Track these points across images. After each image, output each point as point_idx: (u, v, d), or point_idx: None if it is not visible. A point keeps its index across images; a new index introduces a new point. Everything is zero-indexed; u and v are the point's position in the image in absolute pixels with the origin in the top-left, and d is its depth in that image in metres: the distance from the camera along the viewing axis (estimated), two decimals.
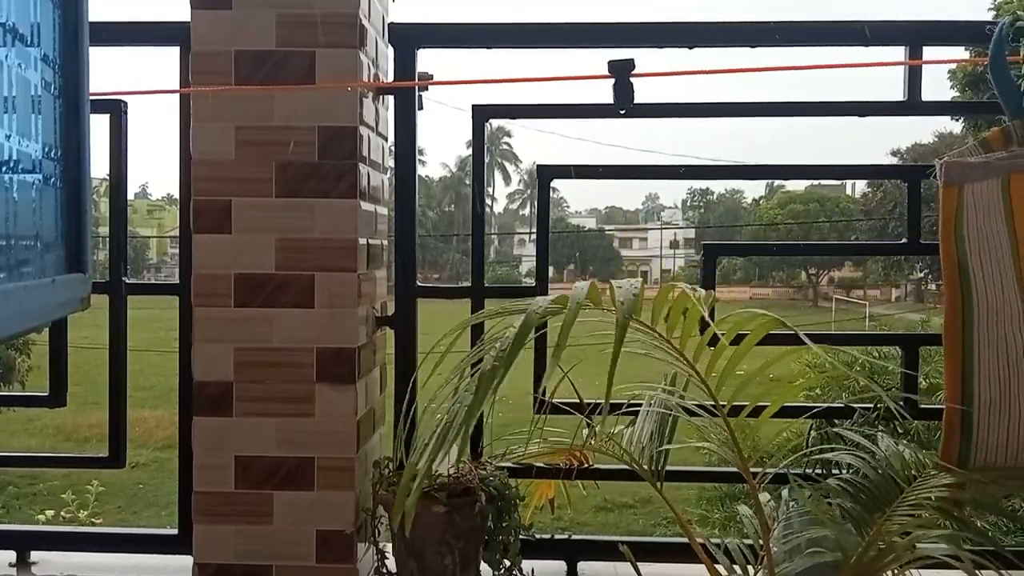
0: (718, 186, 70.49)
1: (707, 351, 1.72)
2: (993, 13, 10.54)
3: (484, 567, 2.08)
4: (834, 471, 2.08)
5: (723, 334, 1.63)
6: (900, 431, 2.13)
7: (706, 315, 1.56)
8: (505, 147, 63.73)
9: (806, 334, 2.22)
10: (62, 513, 9.09)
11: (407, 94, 2.28)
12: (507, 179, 65.16)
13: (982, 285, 1.95)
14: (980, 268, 1.95)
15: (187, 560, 2.12)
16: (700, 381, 1.69)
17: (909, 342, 2.33)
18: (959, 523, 1.76)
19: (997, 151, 1.96)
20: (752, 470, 1.83)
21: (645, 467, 1.95)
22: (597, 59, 2.20)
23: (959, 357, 1.98)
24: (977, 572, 1.58)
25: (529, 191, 62.94)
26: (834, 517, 1.80)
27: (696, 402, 1.92)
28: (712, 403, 1.73)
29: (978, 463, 1.96)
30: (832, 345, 2.61)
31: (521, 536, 2.11)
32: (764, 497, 1.95)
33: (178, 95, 2.18)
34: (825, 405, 2.30)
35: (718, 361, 1.71)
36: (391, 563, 2.10)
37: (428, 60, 2.31)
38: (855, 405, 2.24)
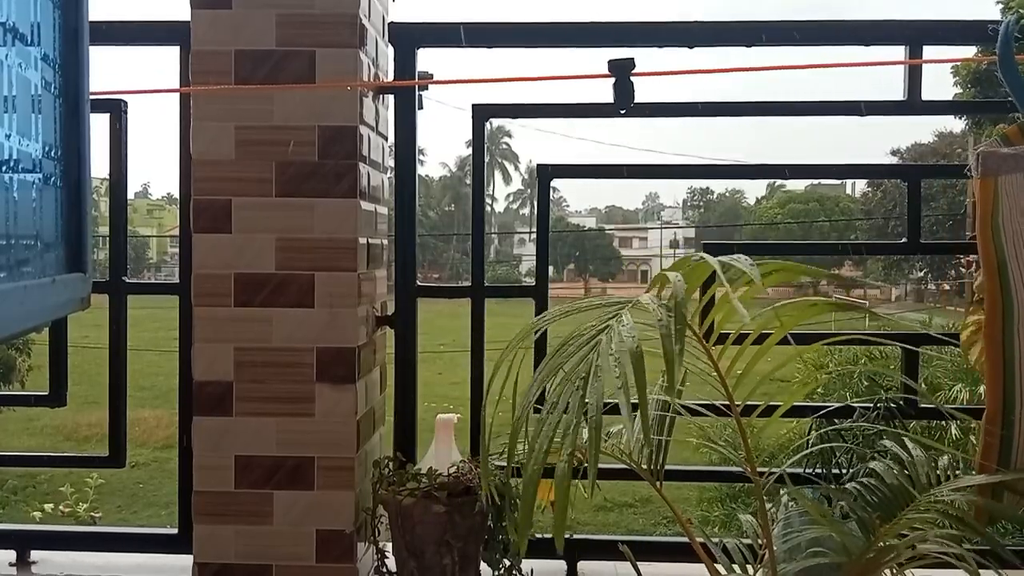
0: (718, 186, 70.78)
1: (715, 347, 1.70)
2: (1001, 7, 10.48)
3: (484, 567, 2.08)
4: (834, 471, 2.08)
5: (746, 332, 1.61)
6: (901, 432, 2.13)
7: (726, 283, 1.41)
8: (505, 147, 63.71)
9: (808, 333, 2.25)
10: (60, 507, 9.06)
11: (407, 94, 2.28)
12: (507, 179, 65.16)
13: (1020, 282, 1.88)
14: (1017, 264, 1.88)
15: (187, 560, 2.12)
16: (720, 380, 1.68)
17: (911, 342, 2.33)
18: (960, 523, 1.74)
19: (1017, 145, 1.92)
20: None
21: (644, 466, 1.94)
22: (597, 59, 2.20)
23: (999, 357, 1.90)
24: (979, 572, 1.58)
25: (529, 191, 62.92)
26: (829, 517, 1.79)
27: (697, 401, 1.91)
28: (725, 403, 1.71)
29: (1019, 466, 1.90)
30: (834, 344, 2.61)
31: None
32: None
33: (178, 95, 2.18)
34: (833, 405, 2.29)
35: (732, 360, 1.69)
36: (391, 563, 2.10)
37: (428, 60, 2.32)
38: (855, 404, 2.24)
